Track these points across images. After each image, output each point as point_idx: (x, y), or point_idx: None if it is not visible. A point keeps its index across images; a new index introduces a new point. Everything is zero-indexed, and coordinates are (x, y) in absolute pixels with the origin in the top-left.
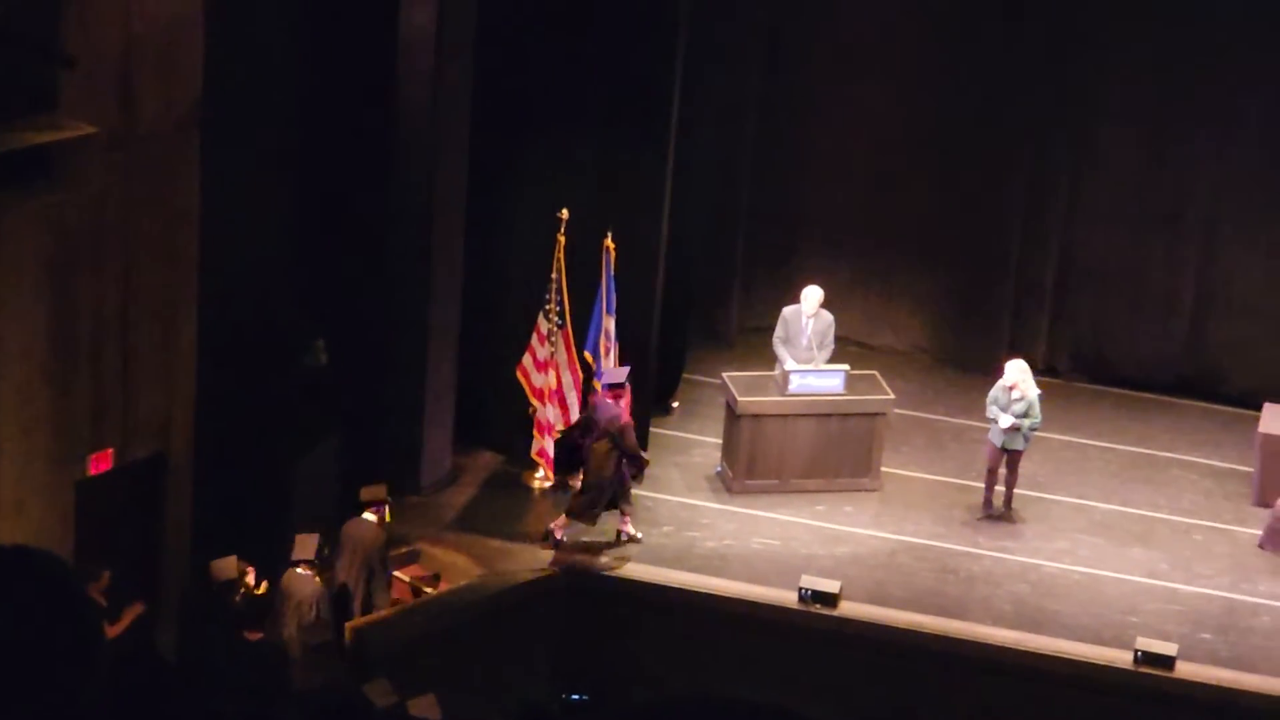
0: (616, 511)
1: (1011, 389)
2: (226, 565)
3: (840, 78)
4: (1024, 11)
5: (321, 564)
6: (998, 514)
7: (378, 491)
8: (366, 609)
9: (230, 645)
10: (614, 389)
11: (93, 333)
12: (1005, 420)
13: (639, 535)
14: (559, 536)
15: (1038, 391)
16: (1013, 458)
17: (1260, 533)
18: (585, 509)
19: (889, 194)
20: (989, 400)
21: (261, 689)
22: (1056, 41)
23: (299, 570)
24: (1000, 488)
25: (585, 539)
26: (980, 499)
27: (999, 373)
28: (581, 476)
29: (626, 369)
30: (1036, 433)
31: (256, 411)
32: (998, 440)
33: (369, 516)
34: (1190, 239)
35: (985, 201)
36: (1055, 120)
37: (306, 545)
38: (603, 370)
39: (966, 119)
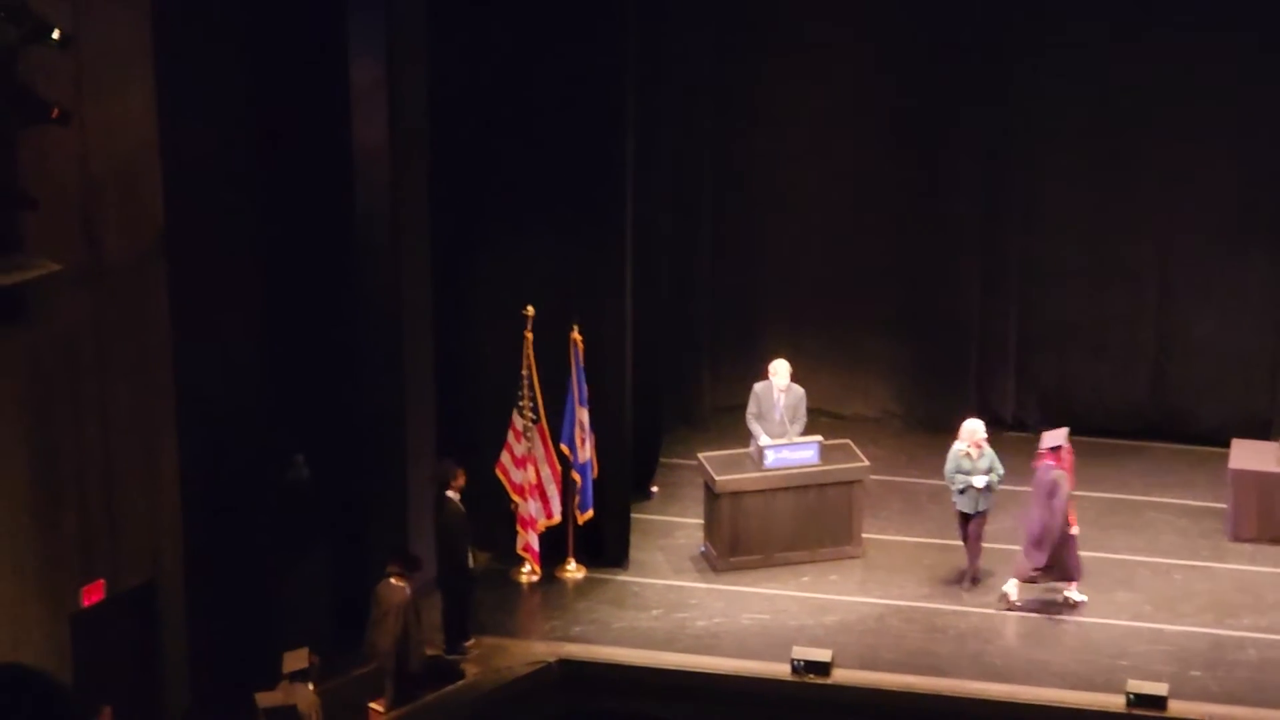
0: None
1: (979, 447)
2: (297, 656)
3: (791, 154)
4: (972, 77)
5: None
6: (975, 582)
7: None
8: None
9: None
10: (1053, 451)
11: (75, 466)
12: (979, 480)
13: (1082, 598)
14: (1074, 599)
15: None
16: (980, 521)
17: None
18: (1061, 564)
19: (847, 265)
20: (950, 471)
21: None
22: (1003, 104)
23: (391, 580)
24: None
25: (578, 627)
26: (964, 565)
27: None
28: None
29: (1064, 430)
30: (1003, 486)
31: (244, 530)
32: (968, 507)
33: (395, 581)
34: (1146, 286)
35: (943, 265)
36: (1007, 180)
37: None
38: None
39: (920, 185)
